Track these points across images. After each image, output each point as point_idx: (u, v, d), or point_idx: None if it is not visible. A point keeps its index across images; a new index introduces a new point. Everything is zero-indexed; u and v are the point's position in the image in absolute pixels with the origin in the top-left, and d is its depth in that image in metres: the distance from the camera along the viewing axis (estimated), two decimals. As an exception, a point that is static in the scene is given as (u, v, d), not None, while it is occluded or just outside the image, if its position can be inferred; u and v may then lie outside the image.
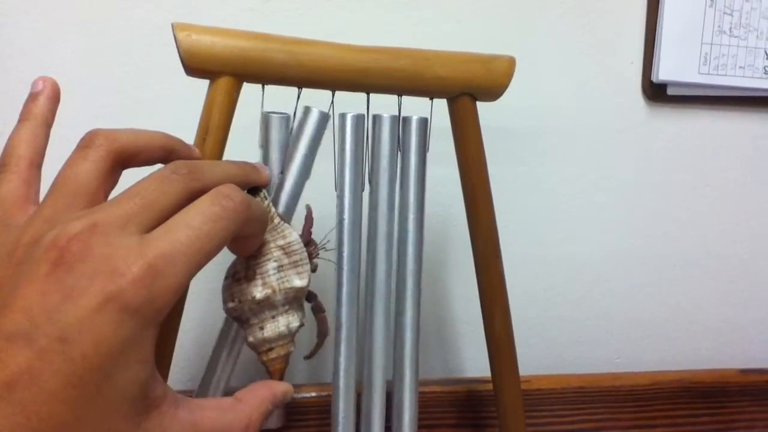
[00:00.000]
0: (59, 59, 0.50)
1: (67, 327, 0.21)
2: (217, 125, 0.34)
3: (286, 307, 0.32)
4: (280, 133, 0.37)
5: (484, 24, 0.56)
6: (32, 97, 0.31)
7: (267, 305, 0.32)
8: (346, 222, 0.39)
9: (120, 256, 0.22)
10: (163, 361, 0.35)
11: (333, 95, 0.37)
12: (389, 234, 0.40)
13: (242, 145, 0.37)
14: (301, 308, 0.33)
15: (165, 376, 0.35)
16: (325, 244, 0.36)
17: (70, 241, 0.22)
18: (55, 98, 0.31)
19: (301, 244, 0.33)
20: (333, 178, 0.39)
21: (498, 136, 0.56)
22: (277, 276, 0.32)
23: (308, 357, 0.38)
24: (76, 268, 0.22)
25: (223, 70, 0.33)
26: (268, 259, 0.32)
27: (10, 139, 0.29)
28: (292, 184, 0.36)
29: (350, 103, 0.38)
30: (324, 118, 0.36)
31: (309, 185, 0.37)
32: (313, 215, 0.36)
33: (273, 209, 0.33)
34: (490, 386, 0.44)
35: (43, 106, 0.30)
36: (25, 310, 0.21)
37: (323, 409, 0.50)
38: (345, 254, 0.39)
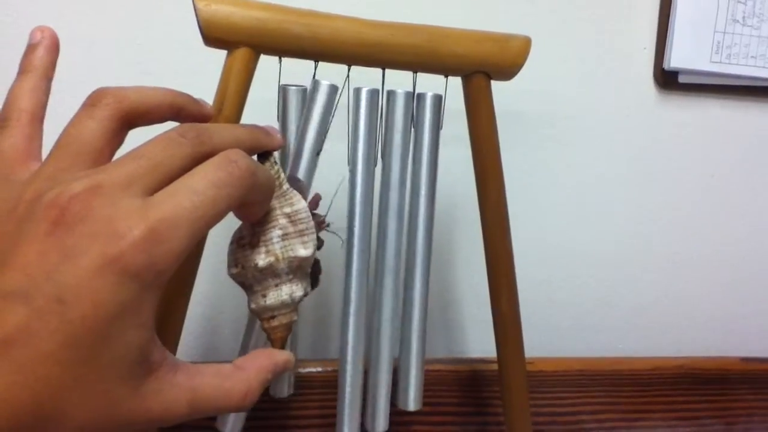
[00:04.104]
0: (71, 26, 0.50)
1: (65, 288, 0.21)
2: (233, 96, 0.34)
3: (290, 276, 0.32)
4: (298, 106, 0.37)
5: (497, 8, 0.56)
6: (31, 48, 0.30)
7: (270, 273, 0.31)
8: (357, 196, 0.39)
9: (121, 218, 0.22)
10: (172, 332, 0.36)
11: (348, 69, 0.37)
12: (400, 209, 0.40)
13: (260, 119, 0.37)
14: (306, 277, 0.33)
15: (174, 348, 0.36)
16: (325, 218, 0.36)
17: (71, 200, 0.22)
18: (55, 49, 0.30)
19: (308, 213, 0.32)
20: (341, 155, 0.39)
21: (507, 120, 0.56)
22: (281, 244, 0.31)
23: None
24: (76, 229, 0.21)
25: (240, 41, 0.33)
26: (273, 227, 0.31)
27: (11, 92, 0.29)
28: (307, 160, 0.37)
29: (365, 80, 0.38)
30: (333, 91, 0.36)
31: (321, 162, 0.38)
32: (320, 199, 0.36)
33: (282, 175, 0.33)
34: (493, 366, 0.45)
35: (42, 57, 0.29)
36: (23, 268, 0.21)
37: (328, 384, 0.50)
38: (356, 229, 0.39)
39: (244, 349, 0.40)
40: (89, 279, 0.21)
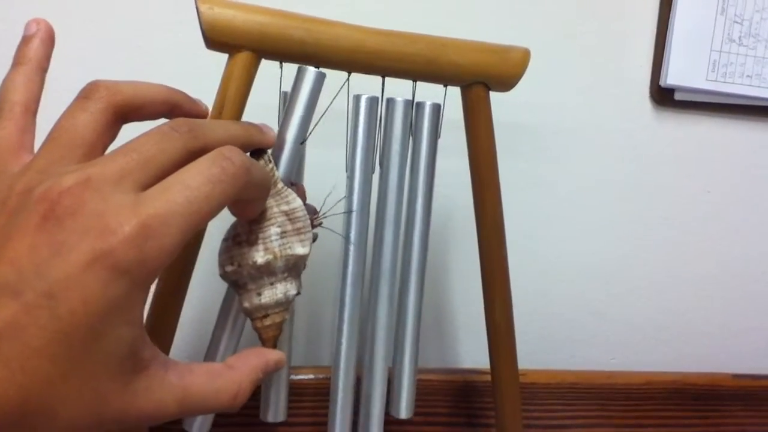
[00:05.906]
0: (70, 26, 0.51)
1: (55, 283, 0.20)
2: (233, 100, 0.34)
3: (285, 274, 0.32)
4: None
5: (496, 23, 0.56)
6: (25, 40, 0.29)
7: (267, 271, 0.31)
8: (354, 203, 0.39)
9: (112, 213, 0.22)
10: (166, 332, 0.36)
11: (348, 76, 0.37)
12: (397, 217, 0.40)
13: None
14: (298, 276, 0.33)
15: (167, 350, 0.35)
16: (326, 213, 0.35)
17: (62, 194, 0.22)
18: (50, 41, 0.30)
19: (305, 211, 0.32)
20: (339, 161, 0.39)
21: (504, 132, 0.56)
22: (279, 242, 0.31)
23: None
24: (66, 223, 0.21)
25: (242, 45, 0.34)
26: (272, 224, 0.31)
27: (4, 84, 0.28)
28: (290, 150, 0.35)
29: (365, 88, 0.38)
30: (320, 78, 0.35)
31: (318, 168, 0.37)
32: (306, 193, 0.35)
33: (277, 173, 0.33)
34: (486, 377, 0.45)
35: (37, 49, 0.29)
36: (13, 262, 0.21)
37: (321, 392, 0.50)
38: (352, 235, 0.39)
39: (211, 353, 0.38)
40: (79, 274, 0.21)
